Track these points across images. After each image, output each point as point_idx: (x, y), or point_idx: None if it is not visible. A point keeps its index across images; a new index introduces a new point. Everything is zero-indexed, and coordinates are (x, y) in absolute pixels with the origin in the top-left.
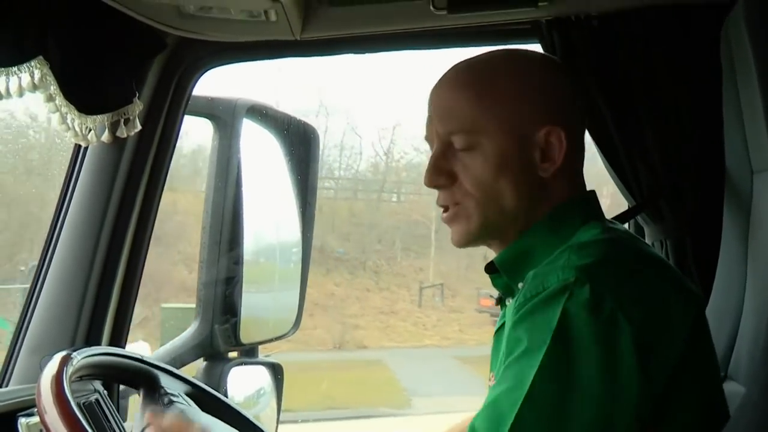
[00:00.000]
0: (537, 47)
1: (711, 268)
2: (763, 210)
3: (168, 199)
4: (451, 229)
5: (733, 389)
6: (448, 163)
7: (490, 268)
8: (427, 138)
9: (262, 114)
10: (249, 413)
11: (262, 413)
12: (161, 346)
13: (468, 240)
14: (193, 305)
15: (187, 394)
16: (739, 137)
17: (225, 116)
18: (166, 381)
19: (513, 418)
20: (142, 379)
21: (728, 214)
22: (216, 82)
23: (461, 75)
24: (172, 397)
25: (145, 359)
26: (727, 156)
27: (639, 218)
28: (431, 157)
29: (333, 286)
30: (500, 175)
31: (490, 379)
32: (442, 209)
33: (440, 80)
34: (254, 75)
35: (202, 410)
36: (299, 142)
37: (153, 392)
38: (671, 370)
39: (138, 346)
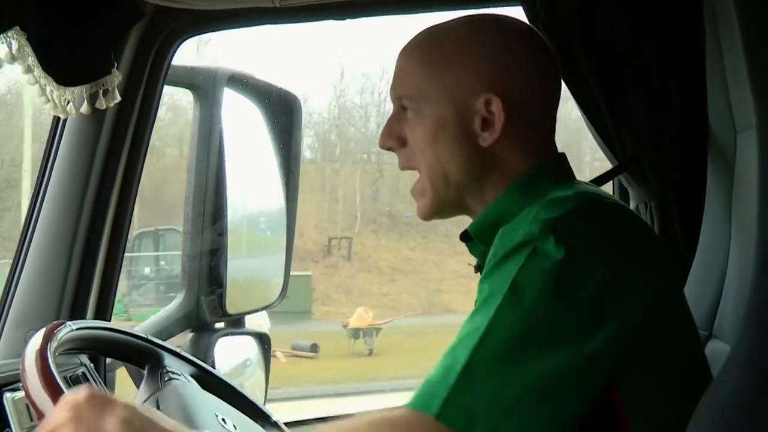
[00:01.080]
0: (519, 11)
1: (695, 228)
2: (747, 168)
3: None
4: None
5: (718, 348)
6: (399, 126)
7: (465, 237)
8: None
9: (243, 83)
10: (253, 395)
11: (248, 382)
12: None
13: (426, 213)
14: (301, 273)
15: (192, 375)
16: (723, 97)
17: (205, 86)
18: (169, 360)
19: (464, 364)
20: (147, 357)
21: (712, 173)
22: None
23: (415, 40)
24: (171, 374)
25: (150, 338)
26: (711, 116)
27: (623, 180)
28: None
29: (408, 251)
30: (438, 141)
31: None
32: None
33: (404, 45)
34: (319, 37)
35: (205, 390)
36: (281, 111)
37: (156, 370)
38: (632, 331)
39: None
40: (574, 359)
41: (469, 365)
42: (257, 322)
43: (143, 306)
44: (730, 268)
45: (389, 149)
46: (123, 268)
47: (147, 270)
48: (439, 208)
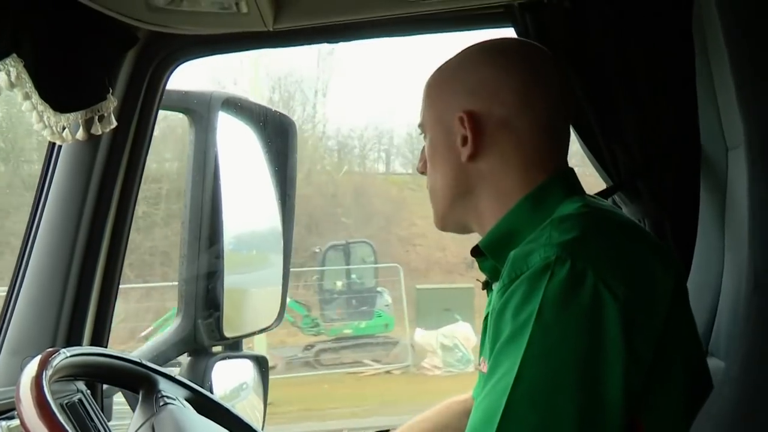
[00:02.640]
0: (511, 31)
1: (689, 245)
2: (738, 186)
3: None
4: None
5: (713, 365)
6: (425, 152)
7: (476, 252)
8: None
9: (238, 106)
10: (249, 418)
11: (246, 405)
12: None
13: (436, 224)
14: (448, 285)
15: (187, 399)
16: (713, 115)
17: (200, 109)
18: (164, 385)
19: (503, 407)
20: (141, 382)
21: (705, 191)
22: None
23: (431, 73)
24: (166, 399)
25: (144, 363)
26: (702, 134)
27: (617, 198)
28: None
29: None
30: (434, 161)
31: (480, 364)
32: None
33: None
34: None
35: (201, 414)
36: (276, 134)
37: (151, 395)
38: (656, 343)
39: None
40: (610, 383)
41: (508, 407)
42: (464, 334)
43: (336, 321)
44: (725, 285)
45: (423, 173)
46: (312, 283)
47: (339, 284)
48: (442, 222)
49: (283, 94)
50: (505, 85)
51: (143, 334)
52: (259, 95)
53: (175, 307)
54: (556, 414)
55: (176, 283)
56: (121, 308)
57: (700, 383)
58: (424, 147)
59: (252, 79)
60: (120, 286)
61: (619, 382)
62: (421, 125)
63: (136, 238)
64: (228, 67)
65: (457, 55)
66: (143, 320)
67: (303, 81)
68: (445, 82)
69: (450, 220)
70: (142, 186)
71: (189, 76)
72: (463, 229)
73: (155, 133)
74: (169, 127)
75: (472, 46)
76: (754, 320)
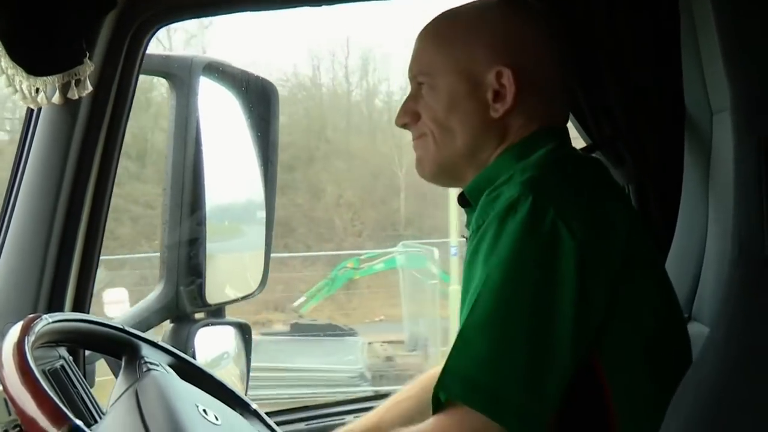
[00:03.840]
0: None
1: (674, 211)
2: (723, 150)
3: None
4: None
5: (697, 330)
6: (415, 104)
7: (463, 202)
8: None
9: (219, 71)
10: (233, 384)
11: (229, 372)
12: None
13: (428, 173)
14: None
15: (170, 365)
16: (698, 79)
17: (181, 74)
18: (147, 351)
19: (456, 336)
20: (124, 348)
21: (689, 156)
22: None
23: (429, 23)
24: (149, 365)
25: (126, 329)
26: (687, 98)
27: None
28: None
29: None
30: (452, 113)
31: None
32: None
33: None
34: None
35: (184, 380)
36: (258, 100)
37: (133, 361)
38: (610, 284)
39: None
40: (562, 321)
41: (461, 335)
42: None
43: None
44: (708, 251)
45: (404, 126)
46: None
47: None
48: (438, 172)
49: None
50: (542, 41)
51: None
52: None
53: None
54: (507, 342)
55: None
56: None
57: (668, 332)
58: (407, 98)
59: None
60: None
61: (569, 316)
62: (420, 72)
63: None
64: None
65: (472, 5)
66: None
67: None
68: (467, 31)
69: (448, 173)
70: None
71: None
72: (455, 182)
73: None
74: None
75: (488, 1)
76: (738, 285)
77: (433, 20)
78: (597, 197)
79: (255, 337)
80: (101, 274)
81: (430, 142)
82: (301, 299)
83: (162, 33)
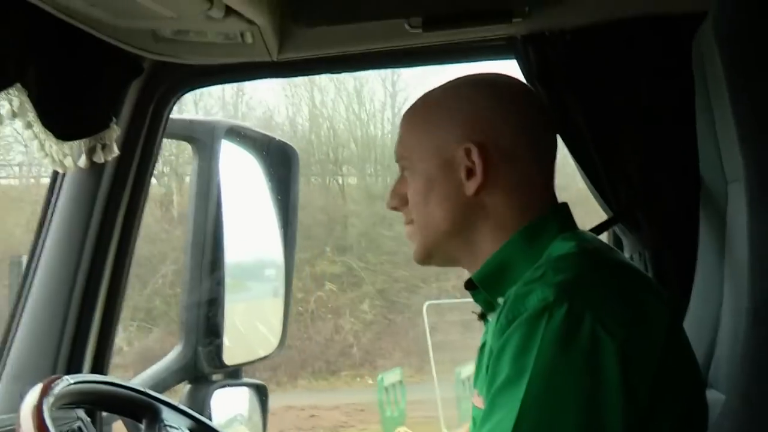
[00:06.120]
0: (513, 63)
1: (689, 277)
2: (738, 219)
3: None
4: None
5: (713, 397)
6: (402, 186)
7: (470, 285)
8: None
9: (241, 135)
10: None
11: None
12: None
13: (419, 258)
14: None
15: (189, 429)
16: (713, 147)
17: (204, 138)
18: (167, 414)
19: None
20: (144, 411)
21: (704, 223)
22: None
23: (411, 105)
24: (169, 429)
25: (148, 392)
26: (702, 166)
27: (617, 230)
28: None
29: None
30: (429, 195)
31: (474, 395)
32: None
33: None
34: None
35: None
36: (278, 162)
37: (154, 424)
38: (652, 379)
39: None
40: (609, 423)
41: None
42: None
43: None
44: (724, 317)
45: (394, 209)
46: None
47: None
48: (428, 257)
49: None
50: (509, 117)
51: None
52: None
53: None
54: None
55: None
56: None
57: (696, 416)
58: (396, 180)
59: None
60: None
61: (618, 421)
62: (401, 156)
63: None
64: None
65: (444, 87)
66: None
67: None
68: (439, 112)
69: (439, 255)
70: None
71: None
72: (450, 263)
73: None
74: None
75: (459, 79)
76: (753, 353)
77: (414, 103)
78: (631, 291)
79: None
80: None
81: (416, 227)
82: None
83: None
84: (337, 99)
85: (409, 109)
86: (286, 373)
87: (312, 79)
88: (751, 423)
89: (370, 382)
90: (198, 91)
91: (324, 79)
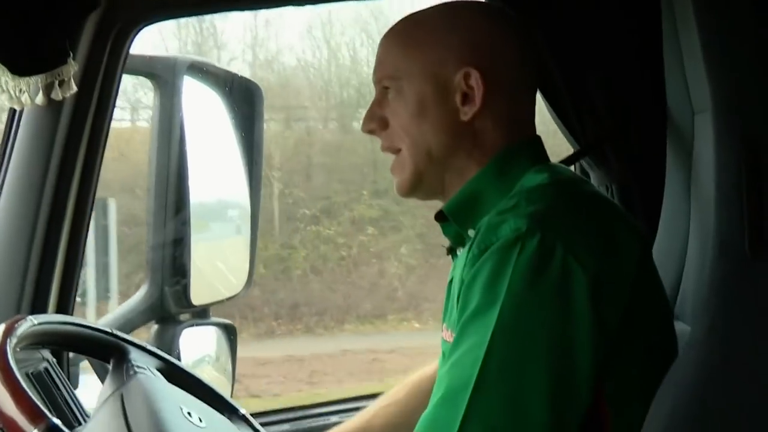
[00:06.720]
0: None
1: (656, 211)
2: (704, 150)
3: None
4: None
5: (679, 329)
6: (381, 109)
7: (440, 217)
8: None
9: (203, 71)
10: (221, 389)
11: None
12: None
13: (405, 188)
14: None
15: (158, 368)
16: (680, 79)
17: (165, 75)
18: (135, 354)
19: (474, 379)
20: (112, 351)
21: (671, 155)
22: None
23: (394, 26)
24: (137, 368)
25: (115, 332)
26: (669, 98)
27: (584, 163)
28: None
29: None
30: (421, 119)
31: (443, 330)
32: None
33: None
34: None
35: (171, 383)
36: (242, 100)
37: (121, 364)
38: (623, 311)
39: None
40: (579, 353)
41: (480, 378)
42: None
43: None
44: (690, 250)
45: (371, 132)
46: None
47: None
48: (417, 184)
49: None
50: (508, 43)
51: None
52: None
53: None
54: (527, 385)
55: None
56: None
57: (665, 348)
58: (373, 102)
59: None
60: None
61: (588, 352)
62: (386, 76)
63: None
64: None
65: (436, 8)
66: None
67: None
68: (434, 34)
69: (426, 184)
70: None
71: None
72: (433, 194)
73: None
74: None
75: (454, 2)
76: (719, 284)
77: (399, 23)
78: (604, 222)
79: None
80: None
81: (404, 154)
82: None
83: None
84: (359, 38)
85: (394, 29)
86: (333, 317)
87: (331, 19)
88: (717, 354)
89: (417, 325)
90: None
91: (347, 18)
